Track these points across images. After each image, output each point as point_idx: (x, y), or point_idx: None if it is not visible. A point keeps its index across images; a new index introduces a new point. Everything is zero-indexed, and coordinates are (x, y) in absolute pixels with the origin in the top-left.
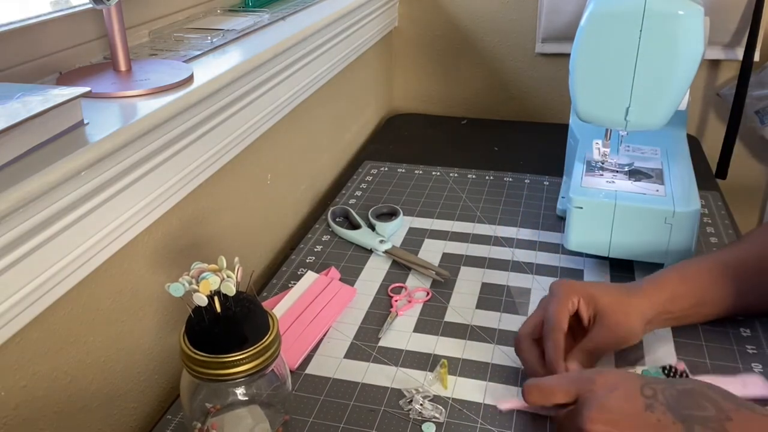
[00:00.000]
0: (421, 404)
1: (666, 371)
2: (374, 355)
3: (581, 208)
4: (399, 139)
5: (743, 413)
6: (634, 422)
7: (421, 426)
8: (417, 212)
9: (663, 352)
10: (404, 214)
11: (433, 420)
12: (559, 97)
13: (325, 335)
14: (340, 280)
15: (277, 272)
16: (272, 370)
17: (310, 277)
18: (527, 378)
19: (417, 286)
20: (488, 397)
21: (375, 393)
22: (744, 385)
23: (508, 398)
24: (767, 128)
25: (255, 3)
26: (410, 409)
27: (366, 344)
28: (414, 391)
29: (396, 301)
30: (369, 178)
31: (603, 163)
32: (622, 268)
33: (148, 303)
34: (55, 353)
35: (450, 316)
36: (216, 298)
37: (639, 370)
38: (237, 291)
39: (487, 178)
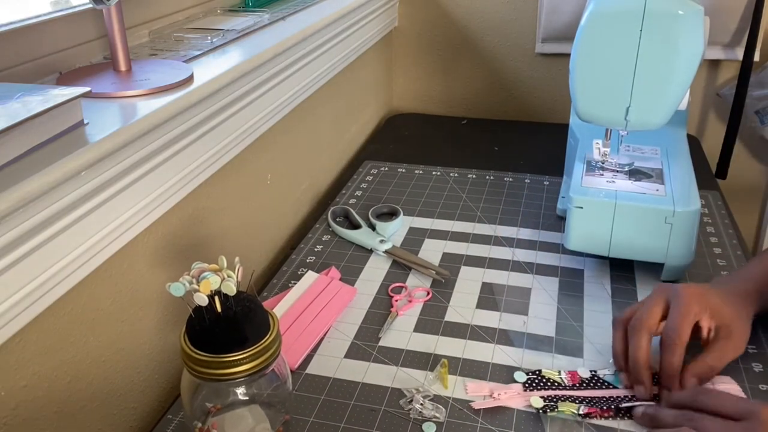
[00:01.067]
0: (422, 404)
1: None
2: (374, 354)
3: (581, 207)
4: (399, 139)
5: None
6: None
7: (421, 426)
8: (417, 212)
9: None
10: (404, 214)
11: (434, 420)
12: (559, 97)
13: (325, 335)
14: (341, 279)
15: (277, 272)
16: (273, 369)
17: (310, 276)
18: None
19: (417, 285)
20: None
21: (375, 393)
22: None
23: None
24: (767, 128)
25: (255, 3)
26: (410, 409)
27: (366, 344)
28: (414, 391)
29: (396, 300)
30: (369, 178)
31: (603, 163)
32: (622, 268)
33: (148, 303)
34: (55, 353)
35: (450, 316)
36: (216, 298)
37: None
38: (237, 291)
39: (487, 177)
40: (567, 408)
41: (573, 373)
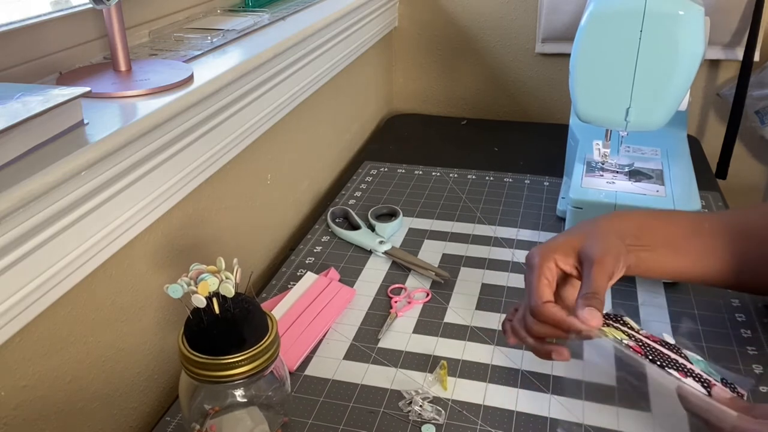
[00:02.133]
0: (421, 405)
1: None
2: (374, 356)
3: (581, 208)
4: (399, 139)
5: None
6: None
7: (420, 428)
8: (417, 213)
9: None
10: (404, 215)
11: (433, 422)
12: (559, 97)
13: (324, 336)
14: (340, 281)
15: (276, 273)
16: (271, 371)
17: (309, 278)
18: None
19: (417, 286)
20: (488, 399)
21: (374, 394)
22: None
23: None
24: (767, 128)
25: (255, 3)
26: (410, 411)
27: (365, 345)
28: (413, 393)
29: (396, 302)
30: (369, 179)
31: (603, 164)
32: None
33: (148, 303)
34: (55, 353)
35: (450, 317)
36: (215, 300)
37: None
38: (236, 292)
39: (487, 178)
40: (616, 334)
41: (653, 336)
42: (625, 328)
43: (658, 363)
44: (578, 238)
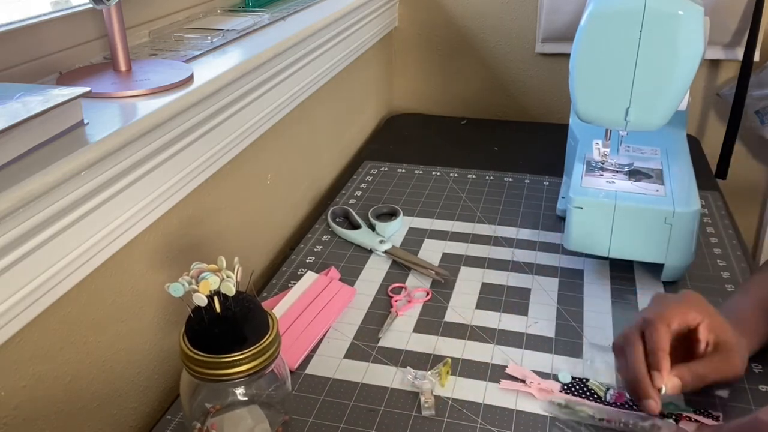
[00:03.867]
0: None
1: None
2: (374, 355)
3: (581, 208)
4: (399, 139)
5: None
6: None
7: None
8: (417, 212)
9: None
10: (404, 214)
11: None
12: (559, 97)
13: (324, 335)
14: (340, 280)
15: (277, 272)
16: (272, 370)
17: (310, 277)
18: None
19: (417, 286)
20: (488, 398)
21: (375, 393)
22: None
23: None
24: (767, 128)
25: (255, 3)
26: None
27: (366, 344)
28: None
29: (396, 301)
30: (369, 178)
31: (603, 163)
32: (622, 269)
33: (148, 303)
34: (55, 353)
35: (450, 316)
36: (216, 298)
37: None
38: (237, 291)
39: (487, 178)
40: (585, 410)
41: (621, 395)
42: (594, 399)
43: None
44: (726, 329)
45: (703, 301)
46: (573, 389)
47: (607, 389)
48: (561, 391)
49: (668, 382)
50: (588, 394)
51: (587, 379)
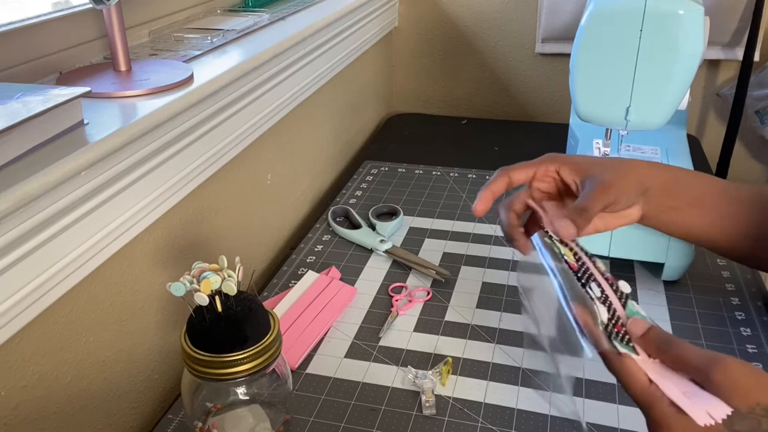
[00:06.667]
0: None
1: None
2: (375, 354)
3: None
4: (399, 139)
5: None
6: None
7: (419, 394)
8: (417, 212)
9: None
10: (404, 214)
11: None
12: (559, 97)
13: (325, 335)
14: (341, 279)
15: (277, 272)
16: (273, 369)
17: (310, 276)
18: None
19: (417, 285)
20: (489, 397)
21: (376, 392)
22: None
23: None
24: (767, 128)
25: (255, 3)
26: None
27: (367, 344)
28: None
29: (396, 300)
30: (369, 178)
31: None
32: (622, 268)
33: (148, 303)
34: (55, 353)
35: (450, 316)
36: (217, 298)
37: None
38: (238, 290)
39: (487, 177)
40: (563, 250)
41: (614, 278)
42: (582, 254)
43: (582, 282)
44: (594, 162)
45: (561, 155)
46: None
47: (606, 271)
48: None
49: (558, 224)
50: (588, 255)
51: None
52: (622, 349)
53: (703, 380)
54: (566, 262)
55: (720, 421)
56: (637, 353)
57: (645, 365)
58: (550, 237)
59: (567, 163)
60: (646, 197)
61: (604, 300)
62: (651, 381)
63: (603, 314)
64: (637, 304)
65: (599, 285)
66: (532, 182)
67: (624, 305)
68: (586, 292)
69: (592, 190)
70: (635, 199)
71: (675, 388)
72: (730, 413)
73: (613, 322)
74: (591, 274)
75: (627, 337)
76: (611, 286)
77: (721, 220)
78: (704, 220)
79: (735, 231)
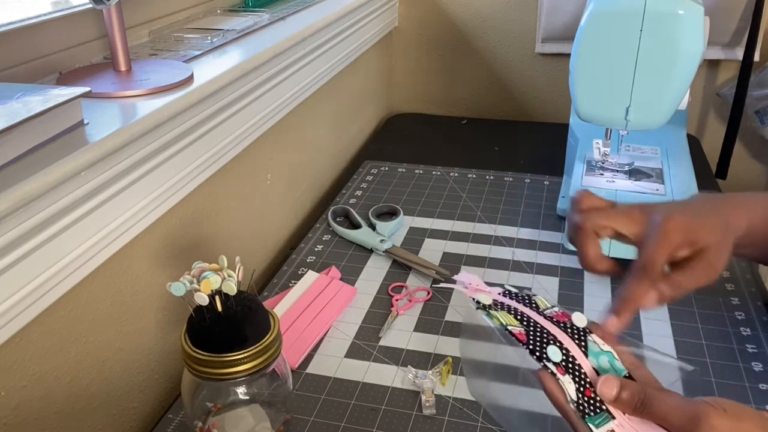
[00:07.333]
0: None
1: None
2: (375, 354)
3: None
4: (399, 139)
5: None
6: None
7: (420, 394)
8: (417, 212)
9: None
10: (404, 214)
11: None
12: (559, 97)
13: (325, 334)
14: (341, 279)
15: (277, 272)
16: (273, 369)
17: (310, 276)
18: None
19: (417, 285)
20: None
21: (376, 392)
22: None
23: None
24: (767, 128)
25: (255, 3)
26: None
27: (367, 343)
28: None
29: (396, 300)
30: (369, 178)
31: (603, 163)
32: (622, 268)
33: (148, 303)
34: (55, 353)
35: (450, 316)
36: (217, 298)
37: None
38: (238, 290)
39: (487, 177)
40: (502, 318)
41: (564, 314)
42: (521, 305)
43: (537, 354)
44: (711, 237)
45: (680, 223)
46: (513, 295)
47: (552, 306)
48: (500, 294)
49: (645, 297)
50: (527, 301)
51: (534, 295)
52: (597, 430)
53: None
54: (512, 333)
55: None
56: (613, 417)
57: (623, 429)
58: (483, 307)
59: (686, 235)
60: (751, 238)
61: (566, 362)
62: None
63: (570, 389)
64: (597, 338)
65: (555, 341)
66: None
67: (585, 347)
68: (545, 366)
69: (693, 271)
70: (719, 238)
71: None
72: None
73: (582, 389)
74: (543, 335)
75: (599, 400)
76: (565, 329)
77: None
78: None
79: None
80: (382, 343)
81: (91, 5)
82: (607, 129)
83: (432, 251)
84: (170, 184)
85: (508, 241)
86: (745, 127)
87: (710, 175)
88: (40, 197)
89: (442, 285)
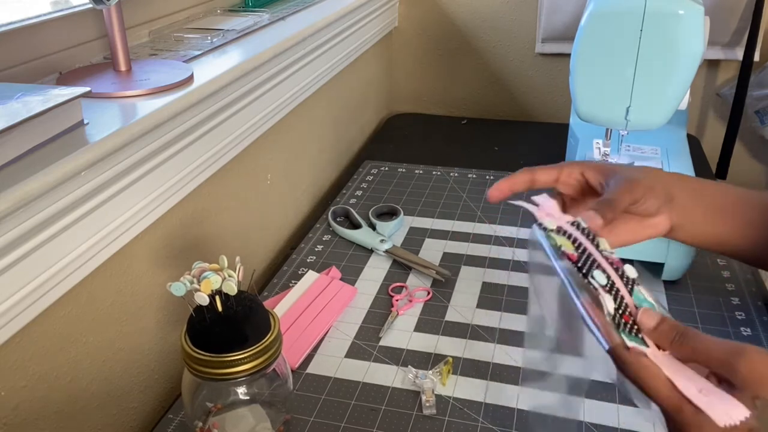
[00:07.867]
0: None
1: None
2: (375, 354)
3: None
4: (399, 139)
5: None
6: None
7: (420, 394)
8: (417, 212)
9: None
10: (405, 214)
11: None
12: (559, 97)
13: (326, 334)
14: (341, 279)
15: (278, 272)
16: (273, 369)
17: (310, 276)
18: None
19: (417, 285)
20: (489, 397)
21: (376, 392)
22: None
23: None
24: (767, 128)
25: (255, 3)
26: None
27: (367, 343)
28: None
29: (397, 300)
30: (369, 178)
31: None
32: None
33: (148, 303)
34: (55, 353)
35: (451, 316)
36: (217, 298)
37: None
38: (238, 290)
39: (487, 177)
40: (559, 241)
41: (620, 261)
42: (583, 238)
43: (584, 272)
44: (621, 166)
45: (585, 161)
46: (581, 228)
47: (612, 252)
48: (567, 223)
49: (584, 216)
50: (591, 237)
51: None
52: (629, 342)
53: (728, 373)
54: (564, 253)
55: (738, 423)
56: (647, 345)
57: (656, 359)
58: (544, 228)
59: (592, 166)
60: (672, 206)
61: (610, 287)
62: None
63: (609, 304)
64: (645, 290)
65: (604, 271)
66: (556, 184)
67: (631, 292)
68: (589, 282)
69: (619, 186)
70: (662, 204)
71: (691, 385)
72: (748, 415)
73: (620, 312)
74: (593, 261)
75: (636, 327)
76: (617, 270)
77: (745, 227)
78: (730, 228)
79: (760, 238)
80: (382, 343)
81: (91, 5)
82: (607, 129)
83: (432, 251)
84: (170, 184)
85: (508, 241)
86: (745, 127)
87: (710, 175)
88: (40, 197)
89: (519, 203)
